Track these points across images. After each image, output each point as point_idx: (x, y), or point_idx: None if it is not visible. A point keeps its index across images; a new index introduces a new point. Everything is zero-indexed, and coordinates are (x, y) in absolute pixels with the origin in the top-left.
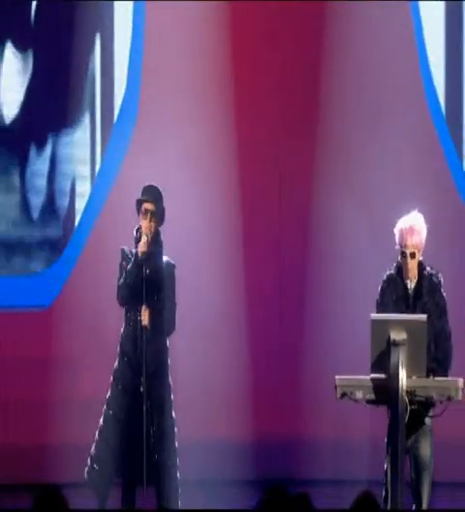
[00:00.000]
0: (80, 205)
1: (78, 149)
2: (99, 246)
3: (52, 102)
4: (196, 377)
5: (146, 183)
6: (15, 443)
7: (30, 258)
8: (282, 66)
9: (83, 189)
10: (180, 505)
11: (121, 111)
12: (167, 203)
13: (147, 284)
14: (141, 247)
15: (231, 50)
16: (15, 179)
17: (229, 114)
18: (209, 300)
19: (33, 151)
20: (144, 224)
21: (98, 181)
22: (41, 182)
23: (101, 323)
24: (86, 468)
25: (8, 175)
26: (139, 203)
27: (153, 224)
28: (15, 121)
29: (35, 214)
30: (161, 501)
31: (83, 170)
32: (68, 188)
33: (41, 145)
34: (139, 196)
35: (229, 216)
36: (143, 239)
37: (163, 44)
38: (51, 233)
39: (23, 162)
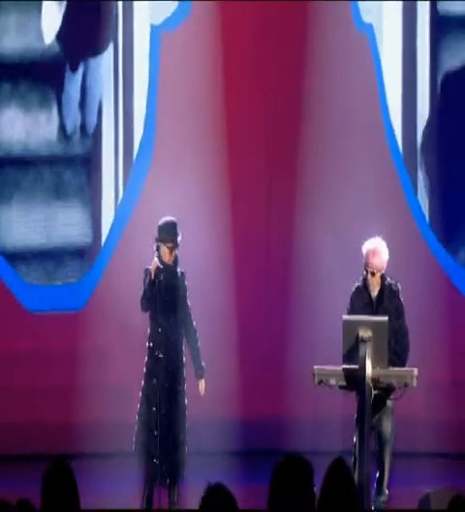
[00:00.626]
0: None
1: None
2: (123, 259)
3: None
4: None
5: (162, 220)
6: (55, 419)
7: (65, 269)
8: (267, 111)
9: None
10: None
11: (141, 141)
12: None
13: (164, 293)
14: (154, 268)
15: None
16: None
17: (224, 154)
18: (208, 297)
19: None
20: (166, 256)
21: (125, 196)
22: None
23: (125, 323)
24: (133, 442)
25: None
26: (160, 241)
27: (173, 253)
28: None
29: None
30: (172, 469)
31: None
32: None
33: None
34: (156, 227)
35: (224, 242)
36: (154, 263)
37: (174, 88)
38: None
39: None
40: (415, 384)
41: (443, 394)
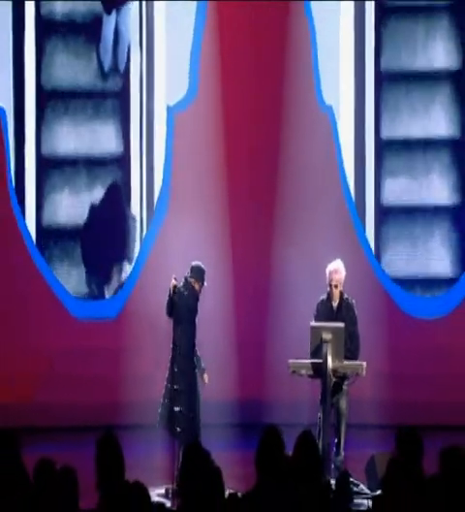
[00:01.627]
0: None
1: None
2: (147, 281)
3: None
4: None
5: (197, 263)
6: (97, 401)
7: (102, 286)
8: (253, 172)
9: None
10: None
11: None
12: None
13: (177, 307)
14: (172, 287)
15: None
16: None
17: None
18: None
19: None
20: (196, 288)
21: (147, 234)
22: None
23: (152, 326)
24: (158, 416)
25: None
26: (194, 278)
27: (200, 288)
28: None
29: None
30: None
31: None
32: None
33: None
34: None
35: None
36: (172, 283)
37: (186, 158)
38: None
39: None
40: (364, 374)
41: (383, 381)
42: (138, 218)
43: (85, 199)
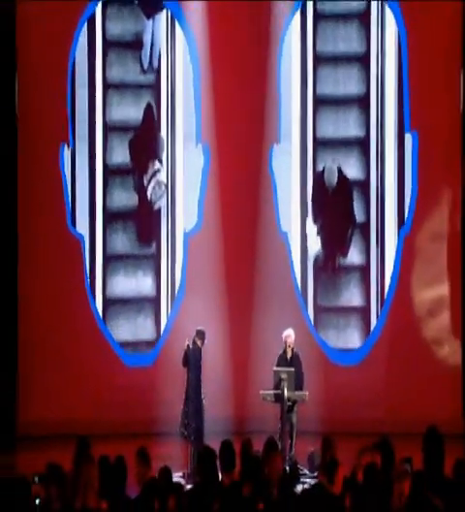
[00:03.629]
0: None
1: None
2: (173, 340)
3: None
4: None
5: (199, 328)
6: (141, 417)
7: (142, 346)
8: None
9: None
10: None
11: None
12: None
13: (188, 359)
14: (185, 347)
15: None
16: None
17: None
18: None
19: None
20: (198, 344)
21: (171, 313)
22: None
23: (174, 371)
24: (178, 428)
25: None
26: (198, 337)
27: (202, 343)
28: None
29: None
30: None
31: None
32: None
33: None
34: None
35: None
36: (186, 344)
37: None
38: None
39: None
40: (307, 400)
41: (319, 406)
42: (164, 302)
43: (133, 282)
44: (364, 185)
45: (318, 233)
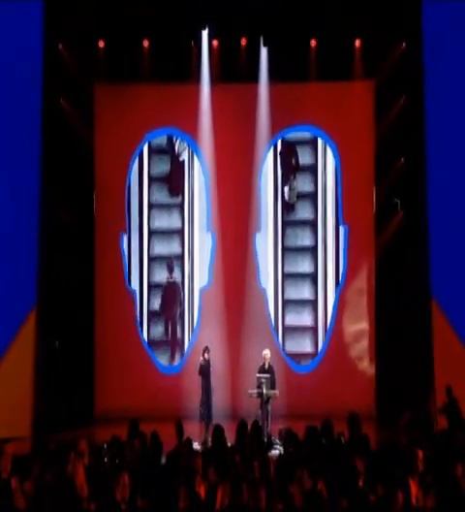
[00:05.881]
0: None
1: None
2: (193, 357)
3: None
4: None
5: (205, 346)
6: (172, 406)
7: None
8: None
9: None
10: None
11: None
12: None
13: (203, 371)
14: (201, 360)
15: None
16: None
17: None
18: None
19: None
20: (205, 357)
21: (190, 343)
22: None
23: (194, 378)
24: (198, 413)
25: None
26: (205, 351)
27: (207, 356)
28: None
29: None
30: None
31: None
32: None
33: None
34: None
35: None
36: (201, 360)
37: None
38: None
39: None
40: (278, 395)
41: (285, 399)
42: (186, 334)
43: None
44: (314, 252)
45: (285, 288)
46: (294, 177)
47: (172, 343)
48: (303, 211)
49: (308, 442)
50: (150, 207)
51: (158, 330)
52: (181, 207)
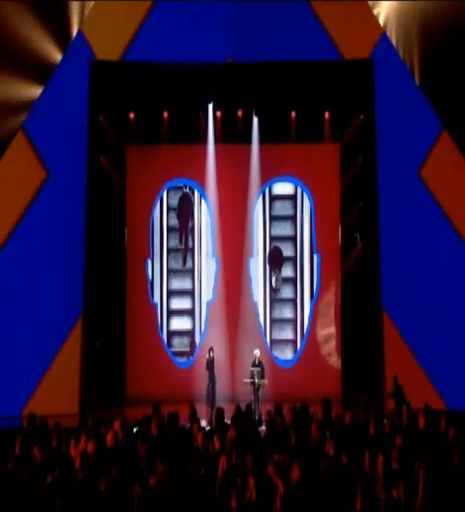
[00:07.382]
0: None
1: None
2: (202, 354)
3: None
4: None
5: (210, 345)
6: (184, 393)
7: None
8: None
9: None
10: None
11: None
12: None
13: (209, 366)
14: (207, 358)
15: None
16: None
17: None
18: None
19: None
20: (210, 356)
21: (202, 338)
22: None
23: (203, 372)
24: (205, 397)
25: None
26: (210, 351)
27: (212, 355)
28: None
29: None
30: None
31: None
32: None
33: None
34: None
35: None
36: (206, 358)
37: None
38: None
39: None
40: (266, 383)
41: (272, 388)
42: (197, 335)
43: (182, 323)
44: (295, 281)
45: (273, 302)
46: (280, 271)
47: (185, 250)
48: (286, 250)
49: (297, 418)
50: (168, 253)
51: (176, 326)
52: (192, 251)
